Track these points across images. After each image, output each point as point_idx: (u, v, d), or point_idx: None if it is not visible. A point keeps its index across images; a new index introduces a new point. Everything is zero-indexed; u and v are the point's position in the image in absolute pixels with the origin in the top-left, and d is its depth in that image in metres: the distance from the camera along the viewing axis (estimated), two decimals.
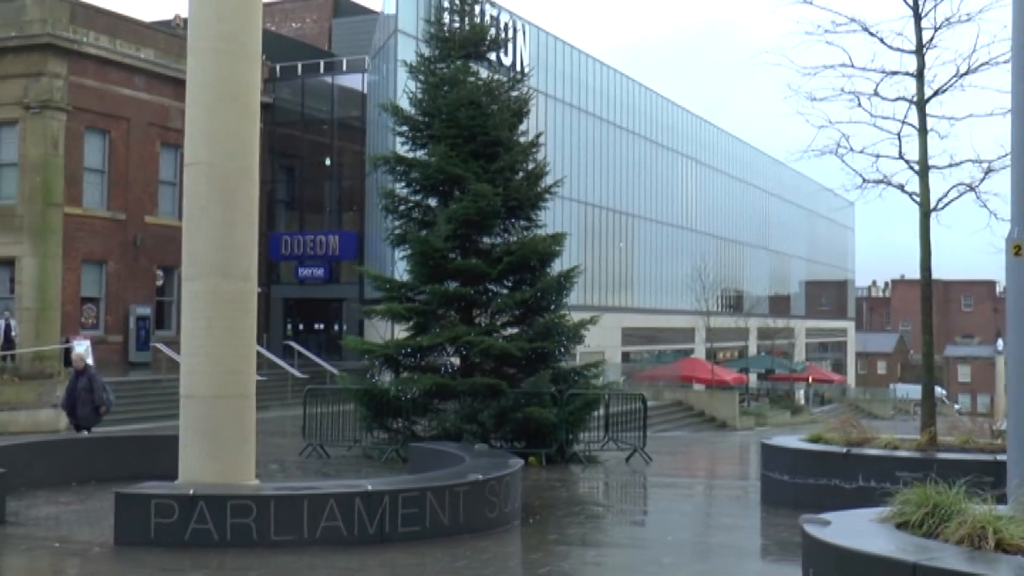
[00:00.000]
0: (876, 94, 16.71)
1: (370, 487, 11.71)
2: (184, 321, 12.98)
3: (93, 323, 36.62)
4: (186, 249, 12.76)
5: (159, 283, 39.15)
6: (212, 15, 12.65)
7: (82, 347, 29.72)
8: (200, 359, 12.54)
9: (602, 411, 21.47)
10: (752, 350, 69.36)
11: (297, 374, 34.93)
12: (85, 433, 18.37)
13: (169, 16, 47.03)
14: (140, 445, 16.96)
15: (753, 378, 64.91)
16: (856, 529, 7.25)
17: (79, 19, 36.37)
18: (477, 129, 21.18)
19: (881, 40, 16.53)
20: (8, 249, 35.45)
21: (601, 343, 44.42)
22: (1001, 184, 15.79)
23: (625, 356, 56.15)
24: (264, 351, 34.16)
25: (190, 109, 12.83)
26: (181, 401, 12.74)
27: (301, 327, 44.64)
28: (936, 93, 16.35)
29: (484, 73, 22.66)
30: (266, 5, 35.92)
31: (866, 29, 16.57)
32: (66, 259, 35.54)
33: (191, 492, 11.29)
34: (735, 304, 69.10)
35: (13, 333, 32.76)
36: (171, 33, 40.31)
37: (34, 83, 35.26)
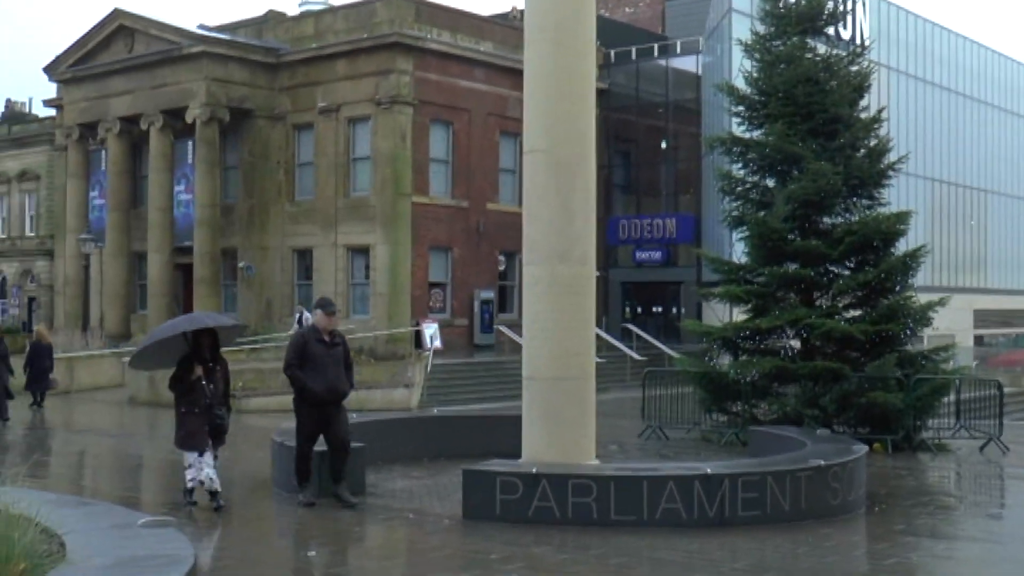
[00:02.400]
0: None
1: (710, 470, 11.65)
2: (525, 305, 13.33)
3: (440, 307, 38.35)
4: (526, 235, 13.09)
5: (501, 268, 40.48)
6: (547, 5, 12.90)
7: (431, 330, 31.28)
8: (541, 342, 12.84)
9: (952, 397, 20.38)
10: None
11: (635, 356, 35.23)
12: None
13: (506, 8, 48.45)
14: (485, 424, 17.59)
15: None
16: None
17: (423, 17, 38.14)
18: (815, 106, 20.58)
19: None
20: (363, 238, 37.75)
21: (951, 326, 42.15)
22: None
23: (978, 340, 53.07)
24: (603, 334, 34.68)
25: (528, 98, 13.14)
26: (523, 382, 13.10)
27: (639, 310, 44.95)
28: None
29: (822, 49, 21.97)
30: None
31: None
32: (415, 246, 37.41)
33: (534, 470, 11.61)
34: None
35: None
36: (508, 25, 41.52)
37: (384, 80, 37.29)
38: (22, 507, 6.74)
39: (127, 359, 32.73)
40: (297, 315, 34.66)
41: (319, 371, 12.43)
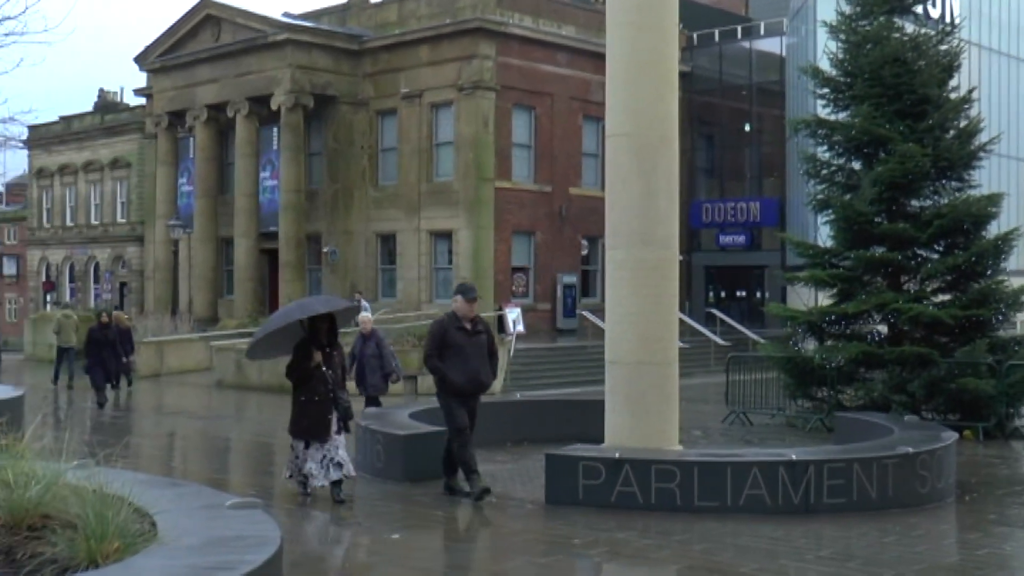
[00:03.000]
0: None
1: (794, 456, 11.55)
2: (608, 289, 13.31)
3: (523, 291, 38.41)
4: (609, 219, 13.07)
5: (584, 252, 40.43)
6: None
7: (513, 314, 31.34)
8: (624, 326, 12.81)
9: None
10: None
11: (719, 341, 34.98)
12: (372, 409, 16.22)
13: None
14: (568, 408, 17.62)
15: None
16: None
17: (505, 2, 38.13)
18: (903, 87, 20.22)
19: None
20: (447, 223, 37.93)
21: None
22: None
23: None
24: (686, 318, 34.49)
25: (610, 82, 13.10)
26: (606, 367, 13.08)
27: (723, 294, 44.62)
28: None
29: (910, 28, 21.56)
30: None
31: None
32: (498, 231, 37.49)
33: (617, 455, 11.60)
34: None
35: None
36: (590, 9, 41.35)
37: (466, 66, 37.38)
38: (116, 487, 6.90)
39: (215, 343, 33.46)
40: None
41: (461, 361, 11.86)
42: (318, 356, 11.88)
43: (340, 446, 12.05)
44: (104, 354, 24.96)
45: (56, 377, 30.28)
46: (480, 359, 11.99)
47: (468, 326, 12.01)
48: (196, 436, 20.70)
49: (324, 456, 11.95)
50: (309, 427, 11.96)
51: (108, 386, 25.48)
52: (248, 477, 15.45)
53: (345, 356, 12.66)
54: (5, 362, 37.89)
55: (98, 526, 6.22)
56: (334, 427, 12.01)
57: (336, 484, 12.00)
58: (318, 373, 11.88)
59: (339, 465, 11.98)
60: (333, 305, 12.84)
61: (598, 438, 13.04)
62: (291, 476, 12.34)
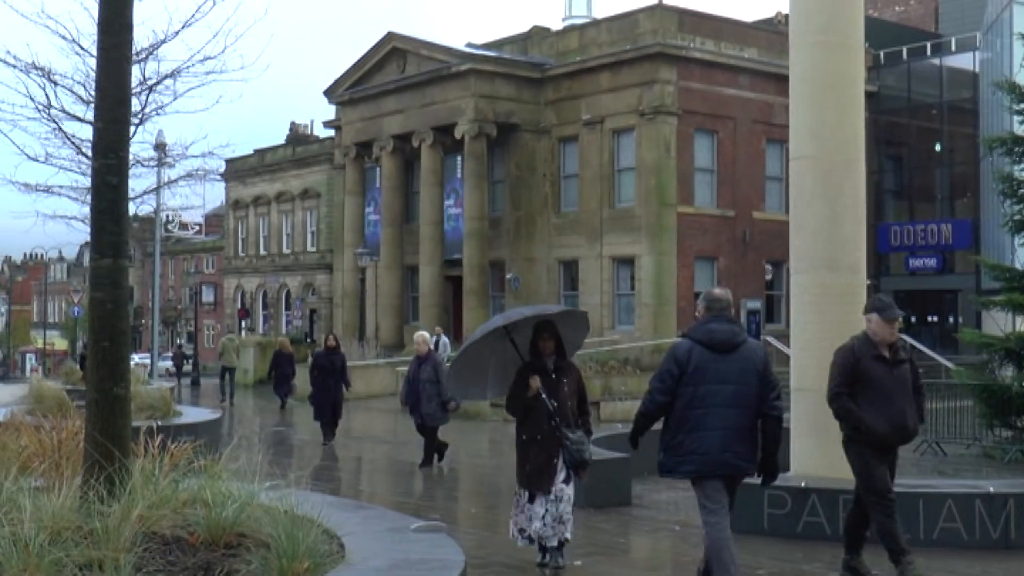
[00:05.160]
0: None
1: (992, 489, 11.08)
2: (793, 315, 13.06)
3: None
4: (793, 243, 12.83)
5: (768, 277, 39.79)
6: (813, 7, 12.62)
7: None
8: (810, 353, 12.53)
9: None
10: None
11: None
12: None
13: (770, 13, 47.64)
14: None
15: None
16: None
17: (686, 27, 37.99)
18: None
19: None
20: (628, 248, 37.88)
21: None
22: None
23: None
24: None
25: (794, 104, 12.89)
26: (792, 394, 12.81)
27: (913, 319, 43.18)
28: None
29: None
30: None
31: None
32: (680, 256, 37.27)
33: (803, 485, 11.34)
34: None
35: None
36: (772, 30, 40.83)
37: (647, 91, 37.34)
38: (306, 508, 7.11)
39: (401, 369, 34.11)
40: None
41: (880, 400, 8.98)
42: (535, 382, 9.47)
43: (566, 499, 9.61)
44: (330, 383, 21.68)
45: (223, 395, 32.50)
46: (906, 397, 9.09)
47: (887, 353, 9.16)
48: (382, 460, 21.12)
49: (547, 512, 9.56)
50: (531, 473, 9.60)
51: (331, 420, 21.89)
52: (432, 501, 15.67)
53: (583, 381, 10.04)
54: (203, 386, 39.59)
55: (289, 546, 6.42)
56: (560, 474, 9.59)
57: (558, 547, 9.72)
58: (539, 404, 9.49)
59: (563, 523, 9.63)
60: (542, 309, 10.33)
61: (782, 467, 12.74)
62: (516, 535, 9.90)
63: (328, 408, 21.45)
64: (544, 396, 9.41)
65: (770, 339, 35.59)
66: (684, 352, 8.12)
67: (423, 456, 17.48)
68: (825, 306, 12.38)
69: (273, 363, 31.22)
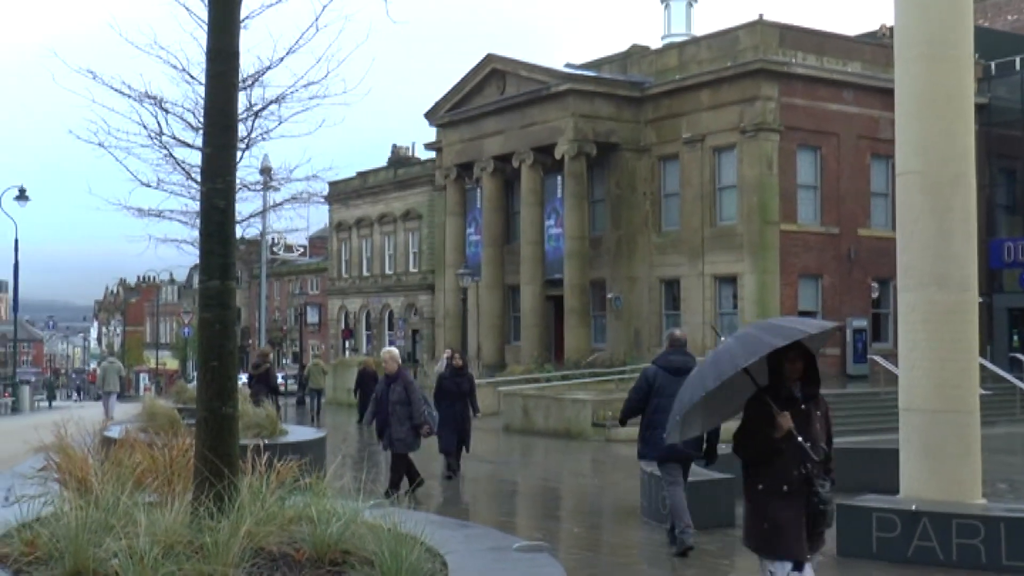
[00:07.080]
0: None
1: None
2: (901, 333, 12.79)
3: None
4: (900, 260, 12.58)
5: (874, 295, 39.07)
6: (919, 20, 12.39)
7: None
8: (918, 372, 12.26)
9: None
10: None
11: None
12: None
13: (874, 27, 46.89)
14: (860, 457, 16.94)
15: None
16: None
17: (787, 42, 37.59)
18: None
19: None
20: (730, 267, 37.52)
21: None
22: None
23: None
24: (988, 364, 32.62)
25: (899, 118, 12.66)
26: (900, 415, 12.54)
27: None
28: None
29: None
30: (977, 1, 34.48)
31: None
32: (783, 274, 36.78)
33: (913, 507, 11.09)
34: None
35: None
36: (877, 44, 40.19)
37: (748, 108, 37.01)
38: (409, 526, 7.16)
39: (502, 388, 34.22)
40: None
41: None
42: (786, 420, 6.93)
43: (810, 569, 7.11)
44: (457, 408, 19.27)
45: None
46: None
47: None
48: (484, 479, 21.15)
49: None
50: (773, 536, 7.00)
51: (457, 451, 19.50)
52: (535, 521, 15.65)
53: (831, 416, 7.44)
54: (307, 405, 40.16)
55: (393, 563, 6.48)
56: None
57: None
58: (792, 446, 6.99)
59: None
60: (798, 332, 7.02)
61: (891, 489, 12.48)
62: None
63: (454, 437, 18.88)
64: (799, 437, 6.99)
65: (877, 358, 34.91)
66: (652, 374, 12.04)
67: (390, 477, 15.51)
68: (935, 324, 12.11)
69: (358, 382, 31.57)
